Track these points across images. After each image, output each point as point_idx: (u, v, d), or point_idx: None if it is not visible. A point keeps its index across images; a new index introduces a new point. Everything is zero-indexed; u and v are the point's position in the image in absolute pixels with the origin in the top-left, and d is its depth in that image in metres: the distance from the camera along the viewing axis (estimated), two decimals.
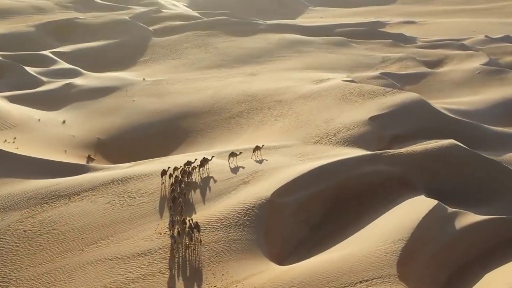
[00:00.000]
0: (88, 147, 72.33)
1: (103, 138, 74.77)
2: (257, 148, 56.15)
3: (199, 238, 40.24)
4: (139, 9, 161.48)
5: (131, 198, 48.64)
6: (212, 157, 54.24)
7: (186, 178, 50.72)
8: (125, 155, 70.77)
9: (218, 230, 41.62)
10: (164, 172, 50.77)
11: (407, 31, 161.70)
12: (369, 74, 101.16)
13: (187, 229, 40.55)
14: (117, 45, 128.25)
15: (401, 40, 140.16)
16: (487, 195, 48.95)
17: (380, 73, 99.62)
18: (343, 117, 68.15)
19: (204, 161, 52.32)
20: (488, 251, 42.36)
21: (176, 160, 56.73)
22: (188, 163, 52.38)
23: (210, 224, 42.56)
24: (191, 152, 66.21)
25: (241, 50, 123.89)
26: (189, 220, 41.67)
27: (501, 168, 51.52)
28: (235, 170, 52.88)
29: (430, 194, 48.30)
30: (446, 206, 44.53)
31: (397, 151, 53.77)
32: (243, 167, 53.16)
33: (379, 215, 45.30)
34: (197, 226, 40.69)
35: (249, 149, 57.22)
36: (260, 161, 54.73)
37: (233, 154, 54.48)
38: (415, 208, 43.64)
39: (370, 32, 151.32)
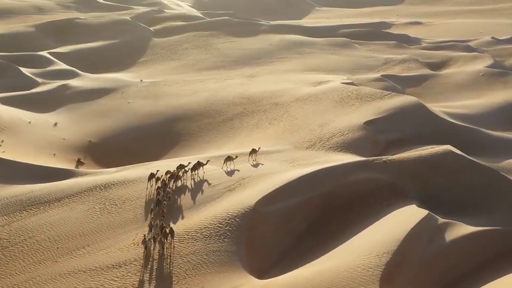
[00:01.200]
0: (79, 151, 70.97)
1: (95, 141, 73.43)
2: (253, 151, 54.72)
3: (172, 244, 38.72)
4: (141, 9, 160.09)
5: (112, 206, 47.07)
6: (208, 161, 52.66)
7: (174, 182, 49.25)
8: (116, 158, 69.44)
9: (197, 241, 39.91)
10: (152, 176, 49.33)
11: (412, 32, 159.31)
12: (370, 76, 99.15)
13: (158, 236, 39.10)
14: (117, 46, 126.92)
15: (405, 41, 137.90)
16: (484, 205, 47.06)
17: (381, 75, 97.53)
18: (338, 121, 66.32)
19: (198, 165, 50.73)
20: (481, 266, 40.38)
21: (164, 165, 55.02)
22: (181, 166, 50.78)
23: (190, 234, 40.86)
24: (182, 157, 64.71)
25: (242, 51, 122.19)
26: (165, 226, 40.17)
27: (498, 177, 49.55)
28: (222, 176, 51.20)
29: (422, 203, 46.42)
30: (437, 216, 42.60)
31: (390, 157, 51.80)
32: (231, 173, 51.50)
33: (367, 225, 43.45)
34: (171, 232, 39.28)
35: (243, 153, 55.79)
36: (249, 167, 53.03)
37: (229, 158, 52.91)
38: (404, 218, 41.74)
39: (374, 33, 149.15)
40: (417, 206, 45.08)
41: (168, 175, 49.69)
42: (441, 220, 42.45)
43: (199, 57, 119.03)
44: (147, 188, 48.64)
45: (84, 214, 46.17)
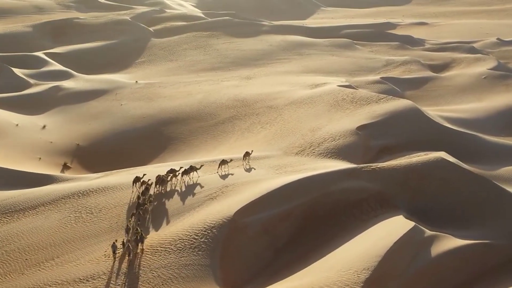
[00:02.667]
0: (66, 154, 69.58)
1: (83, 144, 72.03)
2: (247, 154, 53.67)
3: (142, 251, 37.72)
4: (141, 9, 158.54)
5: (88, 214, 45.46)
6: (201, 166, 51.43)
7: (159, 187, 48.02)
8: (104, 162, 68.07)
9: (170, 254, 38.14)
10: (137, 179, 47.96)
11: (417, 32, 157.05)
12: (369, 78, 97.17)
13: (127, 243, 37.74)
14: (115, 46, 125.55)
15: (408, 42, 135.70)
16: (475, 216, 44.96)
17: (381, 78, 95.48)
18: (331, 126, 64.39)
19: (191, 170, 49.59)
20: (469, 282, 38.31)
21: (150, 171, 53.46)
22: (172, 171, 49.42)
23: (163, 246, 39.14)
24: (171, 162, 63.22)
25: (241, 52, 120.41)
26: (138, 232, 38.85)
27: (491, 187, 47.40)
28: (206, 183, 49.54)
29: (411, 214, 44.48)
30: (424, 228, 40.58)
31: (379, 165, 49.77)
32: (217, 180, 49.86)
33: (351, 238, 41.50)
34: (141, 237, 37.97)
35: (233, 158, 53.94)
36: (236, 173, 51.27)
37: (223, 162, 51.72)
38: (388, 231, 39.75)
39: (377, 34, 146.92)
40: (404, 217, 43.05)
41: (149, 180, 48.37)
42: (428, 232, 40.42)
43: (197, 58, 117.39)
44: (132, 192, 47.36)
45: (58, 223, 44.59)
